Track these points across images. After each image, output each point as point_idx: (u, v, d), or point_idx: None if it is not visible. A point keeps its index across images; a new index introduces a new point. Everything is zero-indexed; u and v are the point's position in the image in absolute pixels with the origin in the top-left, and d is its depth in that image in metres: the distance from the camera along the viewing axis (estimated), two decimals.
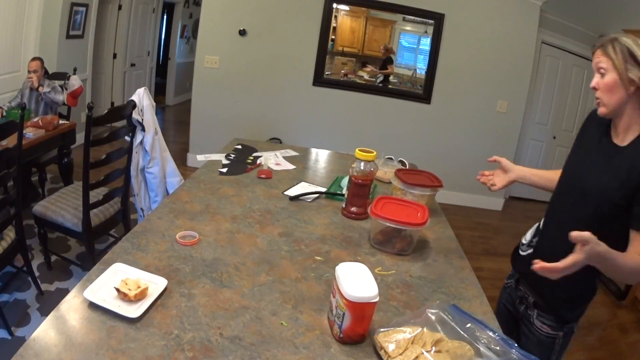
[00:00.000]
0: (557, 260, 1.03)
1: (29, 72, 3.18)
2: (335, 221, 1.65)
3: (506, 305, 1.54)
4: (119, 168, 2.44)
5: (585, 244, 0.98)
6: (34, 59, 3.23)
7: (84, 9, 4.55)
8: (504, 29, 4.27)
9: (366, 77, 4.50)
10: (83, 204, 2.26)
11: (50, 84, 3.24)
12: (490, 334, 0.97)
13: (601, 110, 1.20)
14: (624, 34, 1.18)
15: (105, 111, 2.29)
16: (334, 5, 4.25)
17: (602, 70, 1.17)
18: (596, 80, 1.19)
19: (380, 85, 4.49)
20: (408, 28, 4.38)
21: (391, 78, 4.50)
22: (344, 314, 0.97)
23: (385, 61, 4.48)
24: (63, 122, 3.19)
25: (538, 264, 1.05)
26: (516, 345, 0.95)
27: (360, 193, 1.65)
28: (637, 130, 1.16)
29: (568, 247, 1.02)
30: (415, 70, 4.48)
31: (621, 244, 1.12)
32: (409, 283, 1.29)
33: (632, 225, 1.14)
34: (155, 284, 1.09)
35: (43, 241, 2.55)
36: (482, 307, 1.22)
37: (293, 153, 2.45)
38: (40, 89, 3.17)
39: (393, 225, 1.41)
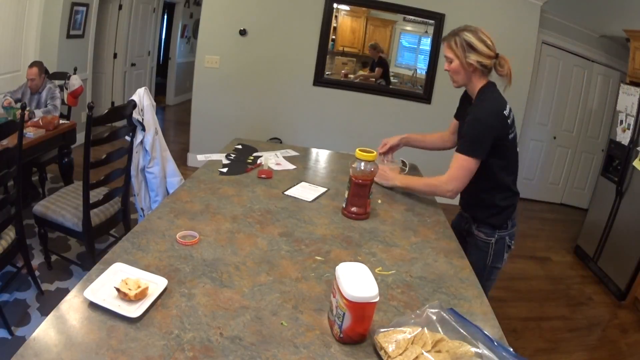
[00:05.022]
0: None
1: (27, 79, 3.14)
2: (335, 221, 1.64)
3: (456, 227, 1.95)
4: (119, 168, 2.44)
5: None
6: (32, 65, 3.14)
7: (84, 8, 4.56)
8: (504, 29, 4.26)
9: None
10: (83, 204, 2.26)
11: (51, 91, 3.21)
12: (487, 341, 0.96)
13: (454, 85, 1.76)
14: (467, 28, 1.65)
15: (106, 111, 2.30)
16: (335, 5, 4.25)
17: (449, 59, 1.67)
18: (447, 65, 1.70)
19: (382, 85, 4.49)
20: (408, 28, 4.38)
21: (391, 78, 4.49)
22: (344, 314, 0.96)
23: (375, 63, 4.47)
24: (63, 121, 3.19)
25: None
26: (511, 350, 0.95)
27: (360, 193, 1.65)
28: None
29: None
30: (416, 70, 4.48)
31: (498, 169, 1.72)
32: (409, 283, 1.29)
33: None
34: (156, 283, 1.09)
35: (43, 241, 2.55)
36: (482, 307, 1.21)
37: (293, 153, 2.45)
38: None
39: None
